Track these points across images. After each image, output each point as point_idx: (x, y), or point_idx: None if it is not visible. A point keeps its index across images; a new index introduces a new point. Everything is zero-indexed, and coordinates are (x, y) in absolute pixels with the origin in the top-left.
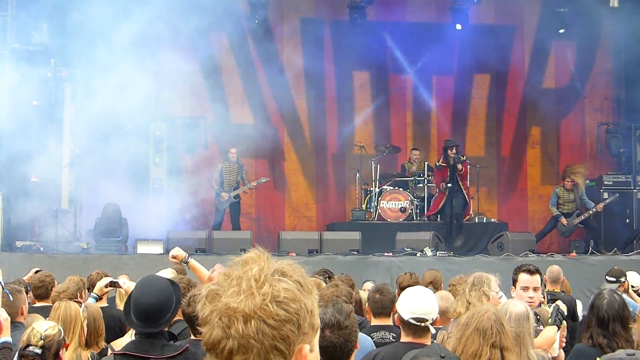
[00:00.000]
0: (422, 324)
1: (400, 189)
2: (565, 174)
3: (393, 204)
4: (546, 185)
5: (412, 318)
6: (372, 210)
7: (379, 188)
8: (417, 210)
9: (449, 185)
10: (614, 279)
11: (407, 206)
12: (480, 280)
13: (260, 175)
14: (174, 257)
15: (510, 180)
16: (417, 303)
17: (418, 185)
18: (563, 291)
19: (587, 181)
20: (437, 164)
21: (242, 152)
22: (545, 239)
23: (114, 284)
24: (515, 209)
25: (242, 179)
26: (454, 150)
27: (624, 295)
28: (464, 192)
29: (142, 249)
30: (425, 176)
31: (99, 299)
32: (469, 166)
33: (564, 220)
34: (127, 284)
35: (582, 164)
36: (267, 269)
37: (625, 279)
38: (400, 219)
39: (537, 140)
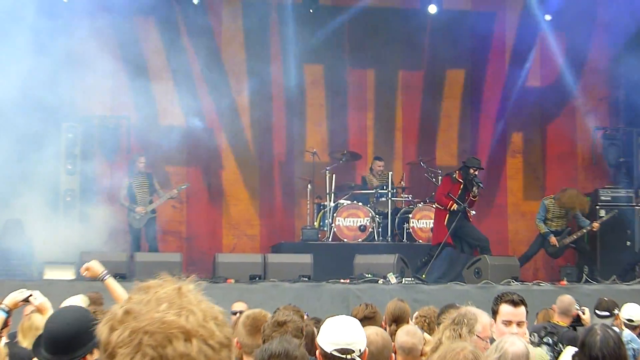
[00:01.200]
0: (348, 356)
1: (360, 204)
2: (563, 203)
3: (351, 221)
4: (529, 200)
5: (335, 350)
6: (326, 229)
7: (334, 202)
8: (380, 229)
9: (464, 206)
10: (607, 313)
11: (368, 224)
12: (461, 318)
13: (192, 187)
14: (87, 270)
15: (488, 194)
16: (340, 332)
17: (381, 200)
18: (572, 326)
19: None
20: (453, 176)
21: (172, 158)
22: (529, 264)
23: (27, 300)
24: (493, 229)
25: (157, 191)
26: (477, 172)
27: (626, 331)
28: (469, 219)
29: (49, 274)
30: (390, 189)
31: (7, 314)
32: (475, 192)
33: (553, 240)
34: (40, 299)
35: (578, 195)
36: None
37: (619, 311)
38: (360, 239)
39: (519, 148)
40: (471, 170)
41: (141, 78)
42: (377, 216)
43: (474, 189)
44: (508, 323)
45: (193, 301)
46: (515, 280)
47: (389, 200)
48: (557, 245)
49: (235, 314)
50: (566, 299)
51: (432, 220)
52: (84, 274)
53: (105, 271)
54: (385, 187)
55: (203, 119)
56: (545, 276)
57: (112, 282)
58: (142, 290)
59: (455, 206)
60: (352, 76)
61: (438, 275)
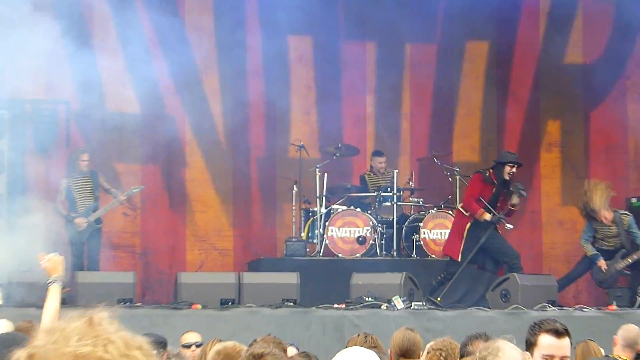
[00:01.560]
0: None
1: (358, 210)
2: (585, 208)
3: (347, 231)
4: (569, 206)
5: None
6: (315, 241)
7: (326, 208)
8: (383, 242)
9: (500, 217)
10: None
11: (368, 235)
12: (484, 353)
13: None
14: (48, 261)
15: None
16: None
17: (384, 205)
18: None
19: (634, 200)
20: (486, 175)
21: (122, 153)
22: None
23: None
24: (524, 241)
25: (108, 190)
26: (514, 169)
27: None
28: (497, 229)
29: None
30: (395, 191)
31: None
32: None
33: (603, 264)
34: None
35: (601, 183)
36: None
37: None
38: (358, 254)
39: (556, 141)
40: (507, 168)
41: (85, 54)
42: (379, 225)
43: (514, 196)
44: (550, 358)
45: (109, 330)
46: (552, 304)
47: (394, 206)
48: (607, 271)
49: (189, 346)
50: (633, 329)
51: (449, 231)
52: (41, 262)
53: (60, 277)
54: (389, 189)
55: (162, 104)
56: (589, 299)
57: (54, 293)
58: (46, 332)
59: (487, 216)
60: (348, 51)
61: (456, 299)
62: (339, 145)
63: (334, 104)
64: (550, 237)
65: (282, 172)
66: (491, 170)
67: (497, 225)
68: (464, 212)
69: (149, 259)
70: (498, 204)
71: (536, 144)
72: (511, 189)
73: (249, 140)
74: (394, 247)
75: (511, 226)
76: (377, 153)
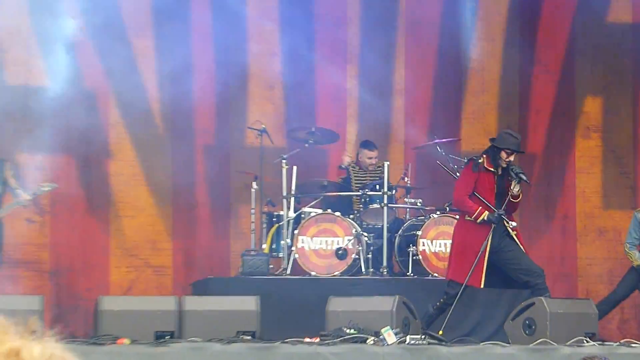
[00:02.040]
0: None
1: (338, 215)
2: None
3: (323, 242)
4: (612, 210)
5: None
6: (281, 255)
7: (295, 212)
8: (369, 255)
9: (500, 213)
10: None
11: (350, 247)
12: None
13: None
14: None
15: (545, 198)
16: None
17: (371, 208)
18: None
19: None
20: (478, 163)
21: (26, 140)
22: (614, 310)
23: None
24: (553, 255)
25: (10, 190)
26: (511, 158)
27: None
28: (514, 237)
29: None
30: (386, 190)
31: None
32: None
33: None
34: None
35: None
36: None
37: None
38: (337, 272)
39: (597, 124)
40: (502, 155)
41: None
42: (365, 234)
43: (514, 183)
44: None
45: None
46: (590, 338)
47: (385, 209)
48: None
49: None
50: None
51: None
52: None
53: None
54: (378, 188)
55: (78, 74)
56: (638, 330)
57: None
58: None
59: (484, 215)
60: (324, 4)
61: (465, 331)
62: (313, 130)
63: (305, 74)
64: (588, 250)
65: (238, 165)
66: (485, 156)
67: (509, 229)
68: (465, 216)
69: (62, 279)
70: (503, 200)
71: (570, 129)
72: (509, 172)
73: (193, 122)
74: (384, 263)
75: (514, 224)
76: (367, 145)
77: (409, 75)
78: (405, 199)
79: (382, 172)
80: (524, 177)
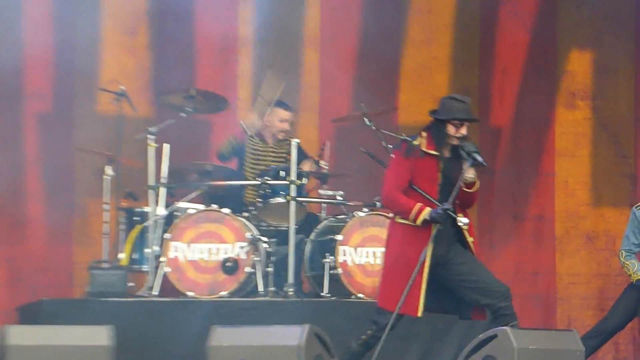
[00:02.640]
0: None
1: (226, 212)
2: None
3: (205, 250)
4: (606, 207)
5: None
6: (146, 269)
7: (167, 208)
8: (270, 269)
9: (445, 208)
10: None
11: (243, 257)
12: None
13: None
14: None
15: (514, 192)
16: None
17: (273, 202)
18: None
19: None
20: (410, 144)
21: None
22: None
23: None
24: (522, 268)
25: None
26: (463, 131)
27: None
28: (466, 238)
29: None
30: (293, 177)
31: None
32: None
33: None
34: None
35: None
36: None
37: None
38: (224, 292)
39: (585, 89)
40: (450, 129)
41: None
42: (264, 239)
43: (466, 165)
44: None
45: None
46: None
47: (292, 204)
48: None
49: None
50: None
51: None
52: None
53: None
54: (284, 174)
55: None
56: None
57: None
58: None
59: (425, 213)
60: None
61: None
62: (191, 93)
63: (181, 17)
64: (571, 262)
65: (84, 142)
66: (425, 134)
67: (465, 234)
68: (404, 221)
69: None
70: (450, 191)
71: (548, 95)
72: (459, 152)
73: (21, 82)
74: (290, 279)
75: (465, 220)
76: (284, 105)
77: (325, 19)
78: (320, 191)
79: (289, 153)
80: (479, 158)
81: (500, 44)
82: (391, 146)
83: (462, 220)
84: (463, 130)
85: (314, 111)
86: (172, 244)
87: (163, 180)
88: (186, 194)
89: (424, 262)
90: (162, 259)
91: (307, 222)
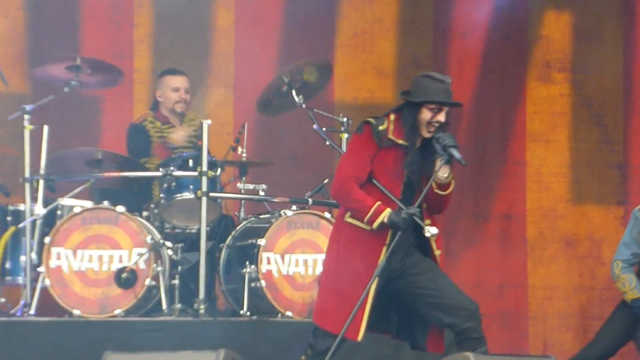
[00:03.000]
0: None
1: (121, 211)
2: None
3: (95, 258)
4: (589, 204)
5: None
6: (21, 280)
7: (45, 206)
8: (176, 281)
9: (410, 212)
10: None
11: (143, 266)
12: None
13: None
14: None
15: (476, 186)
16: None
17: (178, 198)
18: None
19: None
20: (378, 127)
21: None
22: None
23: None
24: (486, 279)
25: None
26: (441, 118)
27: None
28: (432, 251)
29: None
30: (204, 167)
31: None
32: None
33: None
34: None
35: None
36: None
37: None
38: (118, 310)
39: (563, 58)
40: (426, 114)
41: None
42: (168, 245)
43: (439, 162)
44: None
45: None
46: None
47: (204, 200)
48: None
49: None
50: None
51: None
52: None
53: None
54: (192, 164)
55: None
56: None
57: None
58: None
59: (384, 215)
60: None
61: None
62: (77, 63)
63: None
64: (546, 272)
65: None
66: (393, 117)
67: (432, 244)
68: (355, 222)
69: None
70: (416, 190)
71: (519, 65)
72: (434, 149)
73: None
74: (201, 294)
75: (434, 231)
76: (171, 71)
77: None
78: (238, 184)
79: (199, 138)
80: (456, 154)
81: (459, 3)
82: (325, 129)
83: (431, 231)
84: (441, 117)
85: (228, 85)
86: (54, 250)
87: (42, 171)
88: (71, 188)
89: (361, 271)
90: (40, 268)
91: (222, 223)
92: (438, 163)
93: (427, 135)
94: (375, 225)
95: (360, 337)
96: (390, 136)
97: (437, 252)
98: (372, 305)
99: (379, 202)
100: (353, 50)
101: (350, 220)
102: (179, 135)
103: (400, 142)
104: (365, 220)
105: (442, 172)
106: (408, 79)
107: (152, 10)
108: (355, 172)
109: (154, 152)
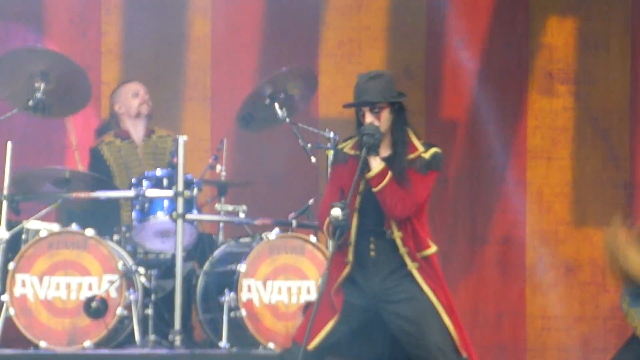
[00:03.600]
0: None
1: (90, 235)
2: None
3: (62, 285)
4: (593, 227)
5: None
6: None
7: (10, 228)
8: (149, 311)
9: (339, 206)
10: None
11: (114, 295)
12: None
13: None
14: None
15: (472, 206)
16: None
17: (151, 220)
18: None
19: None
20: (340, 147)
21: None
22: None
23: None
24: (483, 307)
25: None
26: (369, 119)
27: None
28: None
29: None
30: (179, 187)
31: None
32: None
33: None
34: None
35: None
36: None
37: None
38: (88, 341)
39: (567, 69)
40: (364, 118)
41: None
42: (141, 271)
43: (363, 155)
44: None
45: None
46: None
47: (179, 222)
48: None
49: None
50: None
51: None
52: None
53: None
54: (167, 183)
55: None
56: None
57: None
58: None
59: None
60: None
61: None
62: (42, 69)
63: None
64: (546, 301)
65: None
66: (350, 142)
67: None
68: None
69: None
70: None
71: (519, 77)
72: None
73: None
74: (177, 325)
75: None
76: (123, 82)
77: None
78: (217, 205)
79: (171, 152)
80: (367, 138)
81: (454, 9)
82: (310, 145)
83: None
84: (367, 118)
85: (205, 98)
86: (18, 277)
87: (4, 191)
88: (36, 209)
89: (326, 289)
90: (4, 297)
91: (200, 247)
92: (362, 154)
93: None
94: (324, 227)
95: (310, 347)
96: (348, 150)
97: (426, 287)
98: (339, 328)
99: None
100: (339, 60)
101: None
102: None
103: (353, 152)
104: (325, 232)
105: (371, 164)
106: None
107: (122, 17)
108: (329, 200)
109: (114, 178)
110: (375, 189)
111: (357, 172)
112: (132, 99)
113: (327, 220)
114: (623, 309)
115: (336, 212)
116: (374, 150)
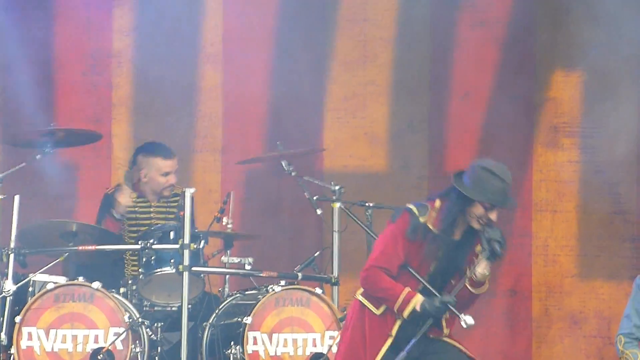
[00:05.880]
0: None
1: (96, 287)
2: None
3: (68, 338)
4: (599, 280)
5: None
6: None
7: (17, 281)
8: None
9: (446, 301)
10: None
11: (120, 347)
12: None
13: None
14: None
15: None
16: None
17: (158, 273)
18: None
19: None
20: (416, 219)
21: None
22: None
23: None
24: (492, 356)
25: None
26: (494, 217)
27: None
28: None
29: None
30: (187, 240)
31: None
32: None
33: None
34: None
35: None
36: None
37: None
38: None
39: (572, 121)
40: (476, 210)
41: None
42: (147, 324)
43: (481, 257)
44: None
45: None
46: None
47: (186, 275)
48: None
49: None
50: None
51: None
52: None
53: None
54: (173, 235)
55: None
56: None
57: None
58: None
59: (415, 301)
60: None
61: None
62: (52, 127)
63: (36, 24)
64: (551, 352)
65: None
66: (438, 204)
67: (446, 324)
68: (365, 302)
69: None
70: (450, 279)
71: (524, 130)
72: (480, 241)
73: None
74: None
75: (471, 322)
76: (158, 149)
77: (230, 30)
78: (223, 258)
79: (180, 208)
80: (498, 249)
81: (460, 63)
82: (316, 198)
83: (467, 321)
84: (493, 216)
85: (215, 151)
86: (25, 329)
87: (12, 244)
88: (43, 262)
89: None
90: (11, 350)
91: (206, 299)
92: (479, 257)
93: (475, 227)
94: (405, 313)
95: None
96: (431, 227)
97: (446, 331)
98: None
99: (408, 289)
100: (343, 115)
101: (361, 298)
102: (126, 199)
103: (436, 231)
104: (396, 308)
105: (482, 269)
106: (402, 145)
107: (132, 70)
108: (384, 264)
109: (104, 224)
110: (477, 291)
111: (477, 264)
112: (161, 178)
113: (408, 290)
114: (618, 350)
115: (441, 305)
116: (500, 255)
